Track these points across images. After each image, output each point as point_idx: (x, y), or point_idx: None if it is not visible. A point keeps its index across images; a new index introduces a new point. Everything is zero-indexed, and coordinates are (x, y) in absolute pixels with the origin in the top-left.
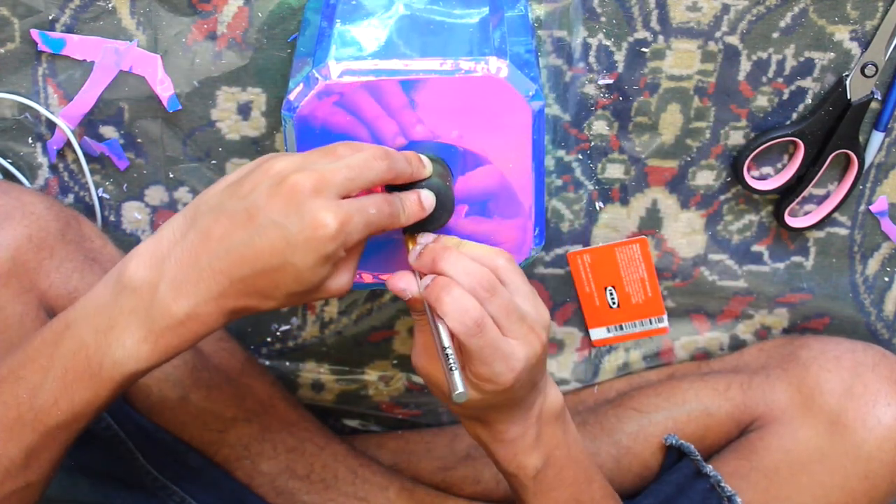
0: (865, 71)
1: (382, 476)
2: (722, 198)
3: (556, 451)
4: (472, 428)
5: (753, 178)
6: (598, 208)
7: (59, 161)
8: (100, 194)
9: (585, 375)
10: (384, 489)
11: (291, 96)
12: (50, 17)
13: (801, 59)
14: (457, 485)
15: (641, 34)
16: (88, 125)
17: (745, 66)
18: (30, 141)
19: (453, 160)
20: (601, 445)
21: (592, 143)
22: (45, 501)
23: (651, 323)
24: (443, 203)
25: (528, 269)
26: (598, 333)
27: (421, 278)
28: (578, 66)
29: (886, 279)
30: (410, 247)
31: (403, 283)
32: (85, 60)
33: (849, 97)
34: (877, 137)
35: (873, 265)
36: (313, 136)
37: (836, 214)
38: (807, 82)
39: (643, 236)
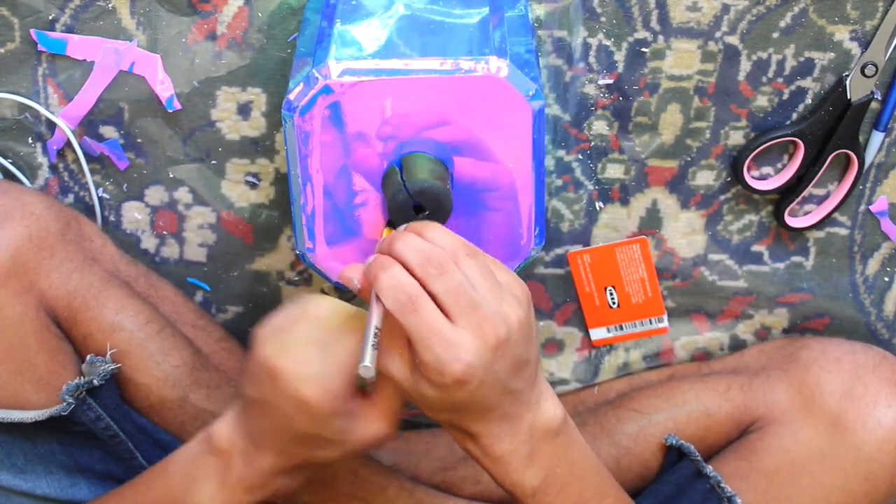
0: (865, 71)
1: (382, 476)
2: (722, 198)
3: (555, 469)
4: (462, 442)
5: (753, 178)
6: (598, 208)
7: (59, 161)
8: (100, 194)
9: (585, 375)
10: (384, 489)
11: (291, 96)
12: (50, 18)
13: (801, 59)
14: (457, 485)
15: (641, 34)
16: (88, 125)
17: (745, 66)
18: (30, 141)
19: (452, 160)
20: (601, 446)
21: (592, 143)
22: (45, 501)
23: (651, 323)
24: (440, 204)
25: (529, 268)
26: (598, 333)
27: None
28: (578, 66)
29: (886, 279)
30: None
31: (351, 273)
32: (85, 60)
33: (849, 97)
34: (877, 137)
35: (873, 265)
36: (313, 135)
37: (836, 214)
38: (807, 82)
39: (643, 236)
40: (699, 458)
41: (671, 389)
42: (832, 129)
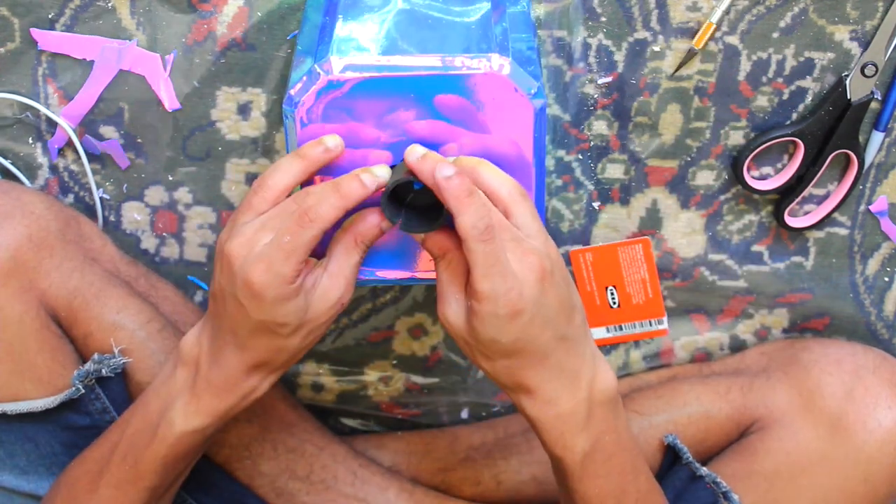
0: (865, 71)
1: (382, 477)
2: (722, 198)
3: (605, 435)
4: (518, 400)
5: (753, 178)
6: (597, 208)
7: (60, 161)
8: (100, 194)
9: None
10: (384, 490)
11: (293, 91)
12: (50, 17)
13: (801, 59)
14: (456, 486)
15: (641, 34)
16: (89, 125)
17: (745, 66)
18: (30, 140)
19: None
20: None
21: (592, 143)
22: None
23: (651, 324)
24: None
25: None
26: (597, 333)
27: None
28: (578, 66)
29: (886, 279)
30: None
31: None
32: (85, 60)
33: (849, 97)
34: (877, 137)
35: (873, 265)
36: (314, 131)
37: (836, 214)
38: (807, 82)
39: (645, 237)
40: (691, 459)
41: (671, 391)
42: (832, 129)
